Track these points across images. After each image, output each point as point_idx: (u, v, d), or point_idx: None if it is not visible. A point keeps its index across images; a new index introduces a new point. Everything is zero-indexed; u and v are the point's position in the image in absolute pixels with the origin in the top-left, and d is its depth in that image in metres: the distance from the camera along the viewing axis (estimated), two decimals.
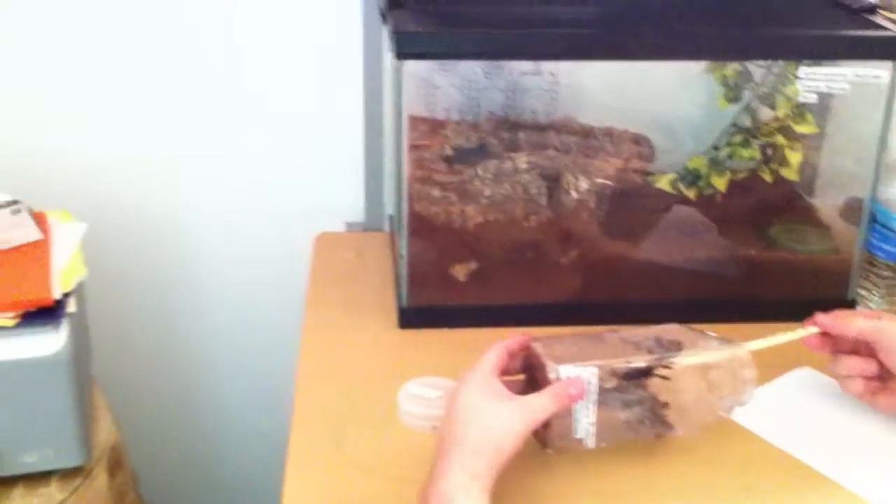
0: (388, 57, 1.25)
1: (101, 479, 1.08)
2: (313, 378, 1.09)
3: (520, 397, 0.87)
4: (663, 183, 1.21)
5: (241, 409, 1.63)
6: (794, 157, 1.19)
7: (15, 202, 1.12)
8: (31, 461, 1.01)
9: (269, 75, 1.38)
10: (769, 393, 1.06)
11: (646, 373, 0.91)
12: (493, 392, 0.86)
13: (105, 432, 1.13)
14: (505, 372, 0.91)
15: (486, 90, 1.22)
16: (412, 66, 1.11)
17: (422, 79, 1.16)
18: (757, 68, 1.19)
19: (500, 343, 0.92)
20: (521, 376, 0.94)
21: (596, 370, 0.88)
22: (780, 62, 1.16)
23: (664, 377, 0.91)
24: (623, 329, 0.96)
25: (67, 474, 1.04)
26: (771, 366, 1.07)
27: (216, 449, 1.66)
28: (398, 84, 1.11)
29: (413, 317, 1.18)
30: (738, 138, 1.21)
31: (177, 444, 1.65)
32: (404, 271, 1.17)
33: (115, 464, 1.13)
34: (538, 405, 0.85)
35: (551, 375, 0.88)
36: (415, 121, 1.17)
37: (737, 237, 1.25)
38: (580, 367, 0.88)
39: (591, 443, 0.90)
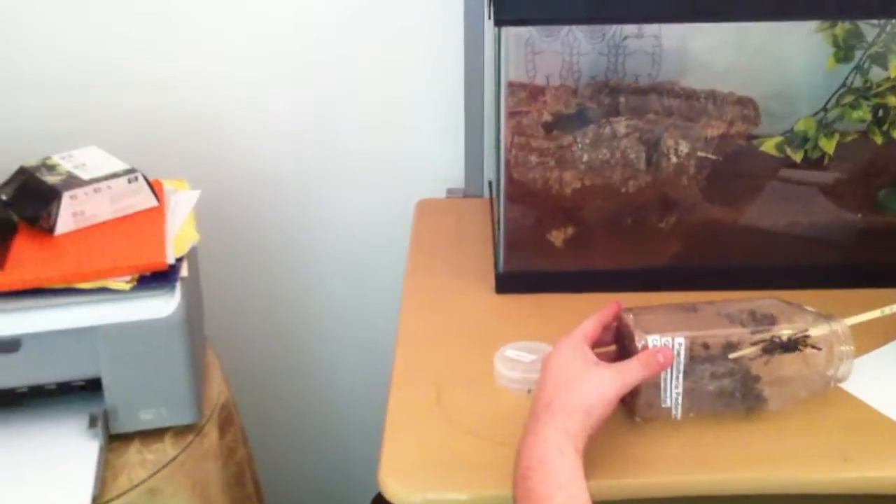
0: (489, 23, 1.25)
1: (212, 436, 1.12)
2: (413, 340, 1.11)
3: (609, 364, 0.88)
4: (769, 146, 1.19)
5: (346, 368, 1.67)
6: None
7: (132, 170, 1.14)
8: (147, 418, 1.06)
9: (371, 44, 1.40)
10: (877, 359, 1.04)
11: (790, 346, 0.90)
12: (584, 358, 0.88)
13: (216, 391, 1.17)
14: (597, 343, 0.92)
15: (587, 55, 1.21)
16: (512, 32, 1.11)
17: (522, 44, 1.16)
18: (869, 27, 1.15)
19: (594, 314, 0.93)
20: (612, 347, 0.95)
21: (684, 340, 0.89)
22: (894, 21, 1.11)
23: (815, 347, 0.90)
24: (718, 301, 0.96)
25: (180, 431, 1.08)
26: (879, 335, 1.05)
27: (322, 406, 1.71)
28: (497, 50, 1.11)
29: (510, 282, 1.19)
30: (848, 99, 1.17)
31: (284, 402, 1.70)
32: (502, 237, 1.18)
33: (226, 421, 1.16)
34: (627, 370, 0.86)
35: (639, 344, 0.89)
36: (514, 87, 1.17)
37: (844, 202, 1.21)
38: (668, 337, 0.88)
39: (678, 413, 0.91)
